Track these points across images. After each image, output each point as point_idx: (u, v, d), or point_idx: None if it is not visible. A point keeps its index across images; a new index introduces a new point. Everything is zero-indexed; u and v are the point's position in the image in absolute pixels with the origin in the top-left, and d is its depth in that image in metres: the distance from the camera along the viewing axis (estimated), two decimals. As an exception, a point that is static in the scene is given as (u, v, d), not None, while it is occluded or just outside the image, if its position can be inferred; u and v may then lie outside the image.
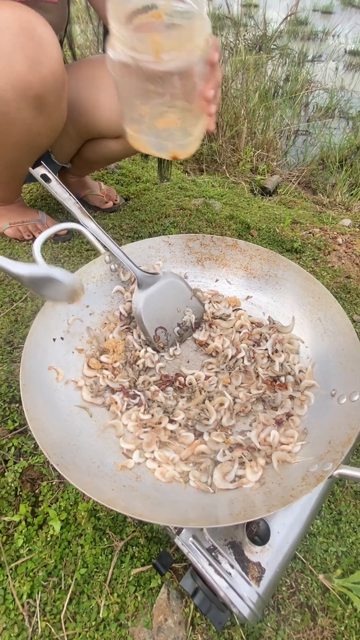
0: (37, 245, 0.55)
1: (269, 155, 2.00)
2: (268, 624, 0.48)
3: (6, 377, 0.67)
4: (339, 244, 1.11)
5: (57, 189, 0.63)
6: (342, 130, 2.58)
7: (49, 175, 0.64)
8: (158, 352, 0.58)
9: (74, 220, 0.62)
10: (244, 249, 0.64)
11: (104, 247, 0.61)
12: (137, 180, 1.39)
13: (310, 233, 1.16)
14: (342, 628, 0.49)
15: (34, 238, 0.99)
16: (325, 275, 0.95)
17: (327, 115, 2.84)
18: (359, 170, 2.04)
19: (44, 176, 0.64)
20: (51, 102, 0.68)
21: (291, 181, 1.96)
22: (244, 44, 3.11)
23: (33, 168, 0.64)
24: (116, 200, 1.19)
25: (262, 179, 1.74)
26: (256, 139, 2.01)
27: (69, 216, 1.16)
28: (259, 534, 0.44)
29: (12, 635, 0.46)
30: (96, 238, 0.60)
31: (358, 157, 2.17)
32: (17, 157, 0.77)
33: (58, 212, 1.12)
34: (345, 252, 1.07)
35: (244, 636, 0.47)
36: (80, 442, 0.44)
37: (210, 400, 0.51)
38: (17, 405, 0.64)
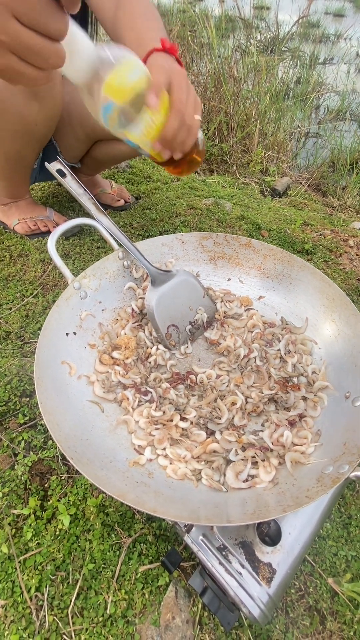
0: (51, 240, 0.55)
1: (280, 156, 1.99)
2: (277, 626, 0.48)
3: (17, 371, 0.67)
4: (350, 247, 1.10)
5: (72, 184, 0.63)
6: (353, 133, 2.57)
7: (65, 171, 0.64)
8: (169, 349, 0.58)
9: (87, 216, 0.63)
10: (258, 249, 0.64)
11: (118, 243, 0.61)
12: (148, 179, 1.40)
13: (321, 235, 1.15)
14: (352, 633, 0.48)
15: (42, 233, 1.00)
16: (337, 277, 0.94)
17: (338, 118, 2.82)
18: (369, 174, 2.02)
19: (59, 171, 0.64)
20: (43, 87, 0.67)
21: (301, 183, 1.95)
22: (255, 45, 3.11)
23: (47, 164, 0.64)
24: (128, 198, 1.20)
25: (273, 180, 1.73)
26: (267, 140, 2.00)
27: (79, 213, 1.17)
28: (269, 534, 0.44)
29: (19, 628, 0.46)
30: (110, 234, 0.60)
31: (369, 160, 2.15)
32: (17, 148, 0.77)
33: (69, 209, 1.13)
34: (357, 255, 1.06)
35: (252, 637, 0.47)
36: (93, 436, 0.45)
37: (222, 399, 0.51)
38: (27, 399, 0.65)
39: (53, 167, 0.64)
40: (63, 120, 0.84)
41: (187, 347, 0.58)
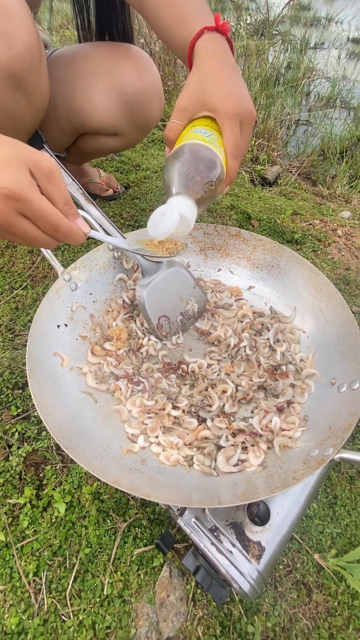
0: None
1: (270, 145, 1.98)
2: (266, 599, 0.50)
3: (8, 363, 0.67)
4: (339, 236, 1.12)
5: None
6: (343, 120, 2.56)
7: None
8: (161, 340, 0.59)
9: (76, 206, 0.62)
10: (248, 239, 0.64)
11: (107, 233, 0.61)
12: (137, 168, 1.38)
13: (310, 224, 1.16)
14: (336, 603, 0.51)
15: None
16: (325, 267, 0.96)
17: (328, 105, 2.81)
18: (359, 162, 2.03)
19: None
20: (30, 80, 0.62)
21: (291, 172, 1.95)
22: (245, 28, 3.04)
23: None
24: (117, 188, 1.18)
25: (263, 169, 1.72)
26: (257, 128, 1.98)
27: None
28: (259, 515, 0.46)
29: (19, 611, 0.48)
30: (99, 225, 0.60)
31: (358, 149, 2.16)
32: None
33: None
34: (345, 244, 1.08)
35: (242, 611, 0.49)
36: (87, 426, 0.45)
37: (213, 388, 0.52)
38: (20, 391, 0.65)
39: None
40: (49, 113, 0.81)
41: (179, 337, 0.59)
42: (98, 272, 0.61)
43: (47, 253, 0.54)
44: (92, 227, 0.60)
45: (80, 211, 0.61)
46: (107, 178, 1.19)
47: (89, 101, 0.80)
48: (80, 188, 0.62)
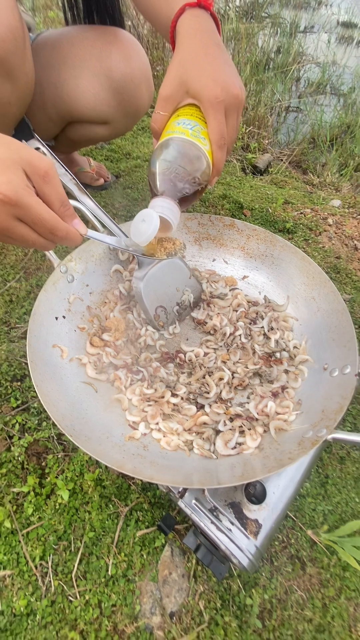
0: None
1: (260, 132, 1.97)
2: (263, 573, 0.53)
3: (6, 356, 0.67)
4: (330, 225, 1.13)
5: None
6: (333, 107, 2.55)
7: (44, 150, 0.62)
8: (158, 330, 0.60)
9: (70, 197, 0.62)
10: (242, 229, 0.65)
11: (103, 225, 0.61)
12: (128, 156, 1.36)
13: (301, 213, 1.17)
14: (328, 575, 0.54)
15: None
16: (317, 256, 0.97)
17: (318, 92, 2.79)
18: (348, 150, 2.04)
19: (37, 149, 0.62)
20: (15, 64, 0.60)
21: (282, 160, 1.95)
22: (234, 10, 2.97)
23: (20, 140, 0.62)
24: (107, 177, 1.17)
25: (254, 157, 1.72)
26: (247, 115, 1.97)
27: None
28: (256, 494, 0.48)
29: (27, 594, 0.50)
30: (94, 216, 0.60)
31: (348, 136, 2.16)
32: None
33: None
34: (336, 233, 1.10)
35: (241, 585, 0.52)
36: (89, 415, 0.47)
37: (210, 375, 0.54)
38: (18, 383, 0.66)
39: (31, 145, 0.62)
40: (35, 100, 0.79)
41: (175, 327, 0.60)
42: (94, 263, 0.61)
43: (43, 245, 0.54)
44: (87, 219, 0.60)
45: (74, 202, 0.61)
46: (98, 167, 1.17)
47: (77, 88, 0.78)
48: (74, 178, 0.61)
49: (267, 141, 1.98)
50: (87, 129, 0.88)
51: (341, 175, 1.89)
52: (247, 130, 1.88)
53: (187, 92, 0.46)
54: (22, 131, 0.88)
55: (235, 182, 1.38)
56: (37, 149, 0.61)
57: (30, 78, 0.70)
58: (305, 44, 3.23)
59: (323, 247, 1.02)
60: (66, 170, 0.62)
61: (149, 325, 0.59)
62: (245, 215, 1.09)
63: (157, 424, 0.48)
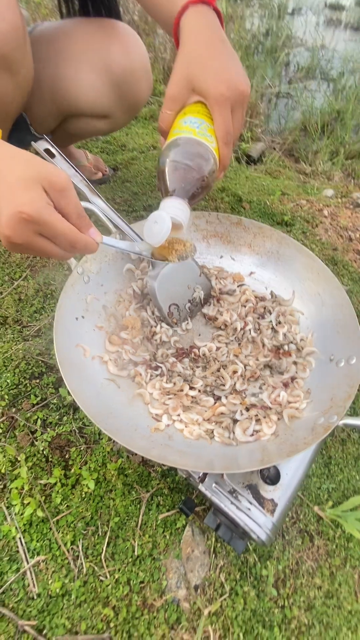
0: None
1: (253, 121, 1.96)
2: (276, 547, 0.58)
3: (23, 355, 0.69)
4: (325, 217, 1.16)
5: (62, 164, 0.62)
6: (323, 93, 2.55)
7: (53, 150, 0.63)
8: (172, 327, 0.62)
9: (82, 198, 0.63)
10: (248, 227, 0.68)
11: (115, 225, 0.62)
12: (123, 148, 1.35)
13: (297, 205, 1.20)
14: (334, 546, 0.60)
15: None
16: (315, 248, 1.01)
17: (308, 77, 2.77)
18: (339, 138, 2.06)
19: (47, 151, 0.62)
20: (16, 59, 0.61)
21: (275, 149, 1.96)
22: (223, -9, 2.90)
23: (8, 139, 0.62)
24: (105, 171, 1.16)
25: (247, 146, 1.72)
26: (239, 103, 1.95)
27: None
28: (270, 476, 0.52)
29: (60, 576, 0.53)
30: (106, 217, 0.62)
31: (338, 123, 2.18)
32: None
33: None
34: (331, 225, 1.13)
35: (257, 558, 0.57)
36: (115, 410, 0.50)
37: (224, 368, 0.57)
38: (37, 380, 0.68)
39: (40, 146, 0.62)
40: (33, 94, 0.78)
41: (188, 323, 0.63)
42: (107, 263, 0.63)
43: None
44: (99, 220, 0.62)
45: (86, 204, 0.62)
46: (95, 160, 1.17)
47: (76, 82, 0.78)
48: (85, 179, 0.62)
49: (259, 130, 1.98)
50: (86, 123, 0.88)
51: (333, 163, 1.92)
52: (240, 119, 1.88)
53: (193, 90, 0.47)
54: (19, 126, 0.87)
55: (230, 173, 1.39)
56: (47, 150, 0.61)
57: (30, 74, 0.70)
58: (294, 27, 3.19)
59: (320, 239, 1.05)
60: (76, 170, 0.62)
61: (162, 322, 0.62)
62: (245, 209, 1.11)
63: (178, 415, 0.52)
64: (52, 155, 0.62)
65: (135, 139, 1.44)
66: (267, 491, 0.51)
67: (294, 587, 0.56)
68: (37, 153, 0.63)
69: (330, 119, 2.25)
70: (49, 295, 0.83)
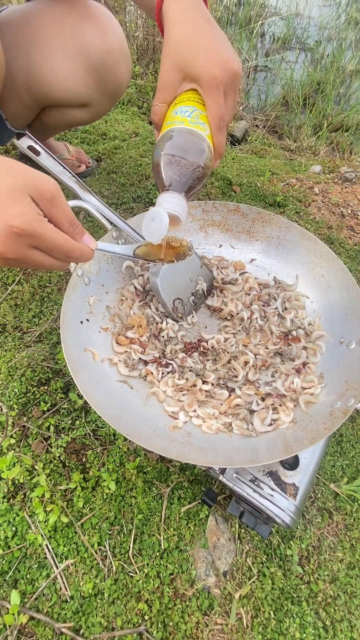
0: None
1: (233, 98, 1.91)
2: (298, 527, 0.60)
3: (28, 362, 0.68)
4: (316, 194, 1.15)
5: (48, 162, 0.59)
6: (301, 64, 2.48)
7: (37, 147, 0.59)
8: (177, 322, 0.62)
9: (73, 196, 0.60)
10: (246, 213, 0.66)
11: (110, 222, 0.60)
12: (104, 137, 1.30)
13: (288, 184, 1.18)
14: (352, 520, 0.62)
15: None
16: (310, 228, 1.00)
17: (285, 47, 2.69)
18: (322, 110, 2.02)
19: (31, 148, 0.59)
20: None
21: (258, 126, 1.91)
22: None
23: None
24: (88, 162, 1.12)
25: (231, 126, 1.68)
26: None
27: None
28: (289, 462, 0.53)
29: (91, 577, 0.54)
30: (100, 213, 0.59)
31: (320, 95, 2.13)
32: None
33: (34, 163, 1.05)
34: (323, 202, 1.12)
35: (280, 539, 0.59)
36: (131, 412, 0.49)
37: (235, 360, 0.57)
38: (45, 387, 0.67)
39: (23, 143, 0.59)
40: (6, 86, 0.73)
41: (193, 316, 0.62)
42: (106, 262, 0.61)
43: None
44: (91, 216, 0.59)
45: (79, 202, 0.60)
46: (77, 152, 1.12)
47: (51, 70, 0.73)
48: (74, 176, 0.60)
49: (241, 107, 1.93)
50: (65, 113, 0.84)
51: (317, 137, 1.89)
52: (220, 97, 1.82)
53: (184, 79, 0.45)
54: None
55: (217, 156, 1.36)
56: (30, 147, 0.58)
57: (2, 64, 0.65)
58: (267, -6, 3.07)
59: (314, 218, 1.04)
60: (64, 167, 0.60)
61: (168, 317, 0.61)
62: (235, 192, 1.09)
63: (194, 411, 0.52)
64: (36, 153, 0.59)
65: (115, 126, 1.38)
66: (288, 476, 0.52)
67: (318, 562, 0.58)
68: (22, 157, 0.60)
69: (311, 91, 2.21)
70: (45, 299, 0.81)
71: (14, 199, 0.33)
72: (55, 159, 0.59)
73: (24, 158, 1.03)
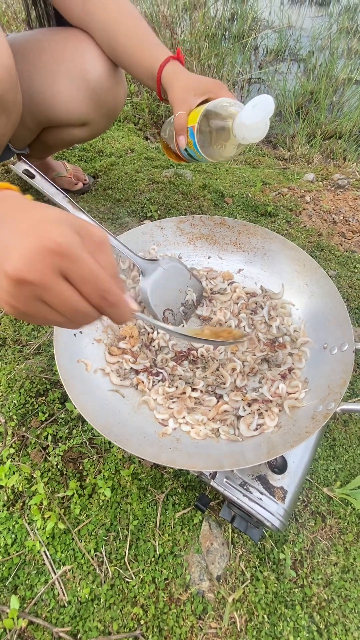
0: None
1: (227, 111, 1.96)
2: (290, 531, 0.61)
3: (26, 374, 0.71)
4: (307, 202, 1.18)
5: (43, 184, 0.63)
6: (294, 75, 2.54)
7: (32, 171, 0.63)
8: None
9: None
10: (232, 226, 0.69)
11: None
12: (101, 154, 1.35)
13: (279, 194, 1.21)
14: (345, 524, 0.63)
15: None
16: (300, 236, 1.02)
17: (278, 59, 2.76)
18: (315, 119, 2.06)
19: (26, 172, 0.63)
20: (10, 100, 0.65)
21: (252, 137, 1.95)
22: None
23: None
24: (85, 180, 1.17)
25: (224, 138, 1.72)
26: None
27: (38, 199, 1.13)
28: (277, 466, 0.55)
29: (88, 582, 0.56)
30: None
31: (313, 104, 2.18)
32: None
33: (25, 191, 1.09)
34: (314, 210, 1.14)
35: (273, 544, 0.60)
36: (122, 420, 0.51)
37: (223, 367, 0.59)
38: (43, 398, 0.69)
39: (19, 168, 0.62)
40: None
41: (183, 326, 0.65)
42: (98, 276, 0.64)
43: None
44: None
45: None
46: (74, 170, 1.17)
47: (53, 94, 0.78)
48: (67, 197, 0.63)
49: (234, 119, 1.98)
50: (65, 133, 0.88)
51: (311, 146, 1.92)
52: (214, 111, 1.87)
53: (195, 95, 0.62)
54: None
55: (210, 168, 1.40)
56: (26, 171, 0.62)
57: (20, 108, 0.72)
58: (259, 9, 3.16)
59: (305, 226, 1.07)
60: (57, 189, 0.63)
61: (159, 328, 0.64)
62: (227, 204, 1.12)
63: (183, 418, 0.54)
64: (31, 176, 0.63)
65: (112, 143, 1.43)
66: (276, 480, 0.53)
67: (311, 566, 0.59)
68: (16, 179, 0.64)
69: (304, 101, 2.25)
70: (44, 312, 0.84)
71: (59, 224, 0.27)
72: (48, 181, 0.63)
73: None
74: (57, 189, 0.63)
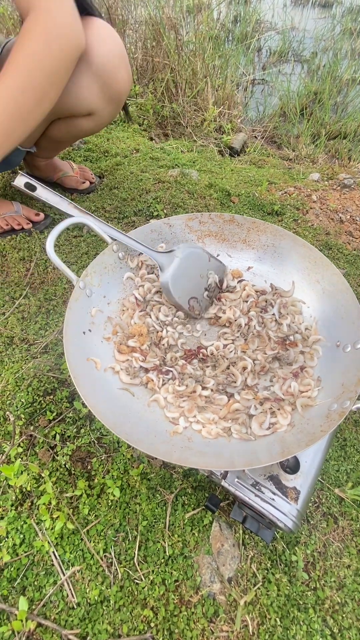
0: (50, 244, 0.56)
1: (231, 112, 1.96)
2: (302, 532, 0.60)
3: (34, 373, 0.70)
4: (314, 201, 1.17)
5: (45, 194, 0.62)
6: (298, 75, 2.54)
7: (33, 183, 0.62)
8: (196, 319, 0.64)
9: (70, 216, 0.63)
10: (241, 223, 0.68)
11: (110, 237, 0.63)
12: (106, 154, 1.35)
13: (286, 193, 1.20)
14: (358, 526, 0.61)
15: (14, 231, 0.98)
16: (307, 235, 1.01)
17: (281, 60, 2.76)
18: (319, 119, 2.06)
19: (27, 185, 0.62)
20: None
21: (256, 137, 1.95)
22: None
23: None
24: (92, 179, 1.17)
25: (229, 138, 1.72)
26: (216, 94, 1.95)
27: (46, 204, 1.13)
28: (290, 466, 0.54)
29: (97, 584, 0.55)
30: (102, 231, 0.62)
31: (317, 105, 2.17)
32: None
33: (32, 199, 1.09)
34: (321, 209, 1.14)
35: (285, 545, 0.59)
36: (133, 419, 0.51)
37: (233, 365, 0.58)
38: (51, 397, 0.69)
39: (20, 182, 0.62)
40: None
41: (214, 307, 0.65)
42: (107, 274, 0.64)
43: (60, 264, 0.56)
44: (93, 231, 0.62)
45: (79, 219, 0.62)
46: (81, 169, 1.17)
47: None
48: (71, 202, 0.62)
49: (239, 120, 1.98)
50: (71, 125, 0.88)
51: (315, 146, 1.92)
52: (218, 112, 1.87)
53: None
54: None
55: (216, 168, 1.39)
56: (27, 184, 0.61)
57: None
58: (262, 11, 3.16)
59: (312, 225, 1.06)
60: (60, 196, 0.61)
61: (168, 326, 0.63)
62: (234, 203, 1.11)
63: (194, 416, 0.53)
64: (32, 189, 0.62)
65: (117, 143, 1.44)
66: (289, 480, 0.52)
67: (324, 568, 0.58)
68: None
69: (308, 101, 2.25)
70: (51, 311, 0.84)
71: None
72: (50, 191, 0.62)
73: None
74: (60, 196, 0.62)
